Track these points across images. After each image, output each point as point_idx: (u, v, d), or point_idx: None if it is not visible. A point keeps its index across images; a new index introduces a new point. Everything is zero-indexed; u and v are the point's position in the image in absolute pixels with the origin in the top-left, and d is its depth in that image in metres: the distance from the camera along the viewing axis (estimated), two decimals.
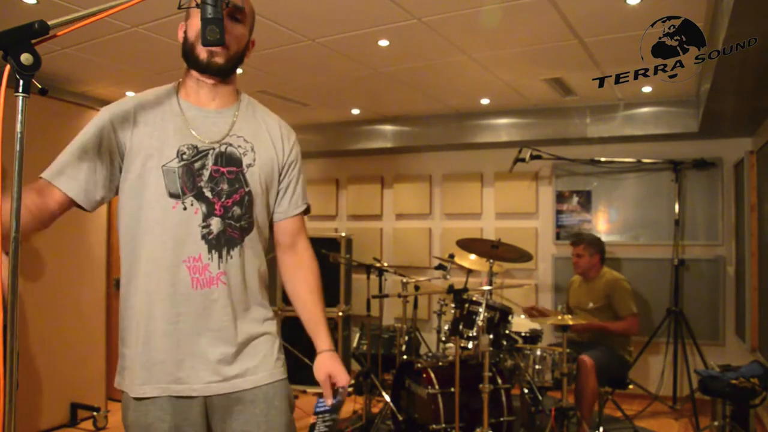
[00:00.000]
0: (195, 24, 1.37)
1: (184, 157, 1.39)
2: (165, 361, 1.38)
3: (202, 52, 1.40)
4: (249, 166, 1.45)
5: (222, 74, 1.45)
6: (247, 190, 1.44)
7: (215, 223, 1.40)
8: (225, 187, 1.41)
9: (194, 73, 1.45)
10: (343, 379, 1.54)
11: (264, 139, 1.50)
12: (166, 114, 1.42)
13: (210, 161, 1.41)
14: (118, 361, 1.46)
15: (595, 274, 4.11)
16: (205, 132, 1.43)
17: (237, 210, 1.43)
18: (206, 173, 1.40)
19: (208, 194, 1.40)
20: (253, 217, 1.47)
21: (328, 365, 1.55)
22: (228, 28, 1.37)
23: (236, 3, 1.40)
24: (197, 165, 1.39)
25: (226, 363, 1.42)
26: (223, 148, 1.43)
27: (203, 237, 1.39)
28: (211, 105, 1.47)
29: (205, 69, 1.42)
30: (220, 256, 1.40)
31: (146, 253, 1.38)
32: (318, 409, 1.54)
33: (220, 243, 1.40)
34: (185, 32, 1.44)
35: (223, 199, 1.41)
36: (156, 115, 1.41)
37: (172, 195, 1.37)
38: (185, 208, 1.38)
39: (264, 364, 1.47)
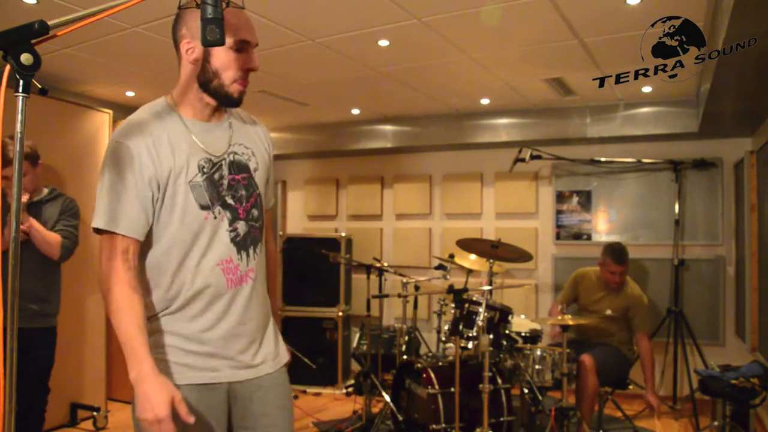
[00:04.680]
0: (222, 56, 1.44)
1: (205, 170, 1.49)
2: (207, 354, 1.50)
3: (235, 91, 1.47)
4: (255, 170, 1.58)
5: None
6: (258, 192, 1.58)
7: (241, 227, 1.53)
8: (243, 192, 1.54)
9: (205, 96, 1.49)
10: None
11: (257, 143, 1.62)
12: (176, 133, 1.47)
13: (226, 171, 1.52)
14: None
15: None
16: (211, 145, 1.51)
17: (255, 211, 1.57)
18: (225, 182, 1.51)
19: (231, 201, 1.52)
20: (263, 215, 1.61)
21: None
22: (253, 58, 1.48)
23: (248, 38, 1.46)
24: (216, 176, 1.50)
25: (252, 352, 1.56)
26: (231, 157, 1.54)
27: (232, 240, 1.51)
28: (211, 120, 1.55)
29: (231, 105, 1.52)
30: (247, 256, 1.54)
31: (192, 262, 1.48)
32: None
33: (246, 243, 1.54)
34: (208, 60, 1.45)
35: (243, 204, 1.54)
36: (169, 136, 1.46)
37: (203, 207, 1.47)
38: (215, 217, 1.49)
39: (276, 350, 1.64)
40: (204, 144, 1.50)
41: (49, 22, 1.10)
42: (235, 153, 1.55)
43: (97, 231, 1.44)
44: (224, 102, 1.50)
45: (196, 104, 1.50)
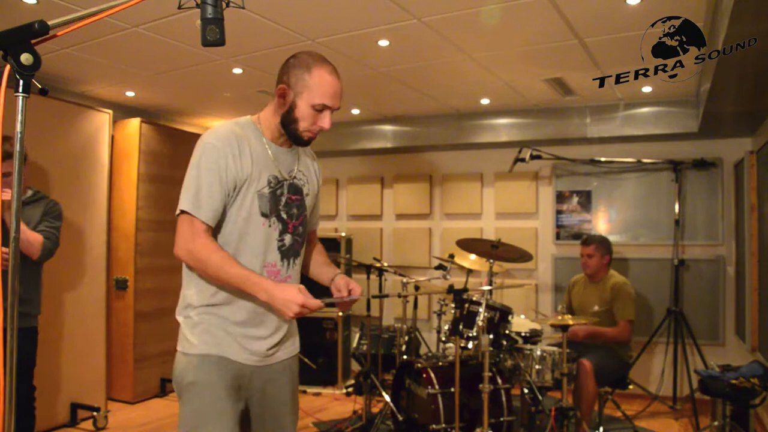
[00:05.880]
0: (305, 110, 1.73)
1: (271, 185, 1.80)
2: (251, 336, 1.78)
3: (305, 136, 1.78)
4: (306, 195, 1.90)
5: None
6: (305, 213, 1.90)
7: (287, 239, 1.83)
8: (295, 211, 1.85)
9: (282, 129, 1.80)
10: (358, 288, 1.87)
11: (311, 174, 1.95)
12: (258, 149, 1.79)
13: (286, 190, 1.83)
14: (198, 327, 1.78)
15: (602, 276, 4.06)
16: (282, 166, 1.84)
17: (300, 228, 1.88)
18: (283, 199, 1.82)
19: (284, 216, 1.82)
20: (306, 232, 1.92)
21: (345, 279, 1.90)
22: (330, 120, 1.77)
23: (329, 105, 1.75)
24: (278, 192, 1.81)
25: (278, 342, 1.84)
26: (292, 180, 1.86)
27: (278, 249, 1.81)
28: (284, 145, 1.86)
29: (300, 144, 1.84)
30: (288, 264, 1.84)
31: (243, 257, 1.75)
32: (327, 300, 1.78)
33: (290, 254, 1.84)
34: (293, 108, 1.74)
35: (293, 221, 1.85)
36: (251, 148, 1.77)
37: (263, 214, 1.77)
38: (270, 226, 1.79)
39: (293, 342, 1.94)
40: (277, 164, 1.82)
41: (49, 22, 1.10)
42: (296, 178, 1.87)
43: (181, 212, 1.71)
44: (295, 141, 1.82)
45: (275, 131, 1.82)
